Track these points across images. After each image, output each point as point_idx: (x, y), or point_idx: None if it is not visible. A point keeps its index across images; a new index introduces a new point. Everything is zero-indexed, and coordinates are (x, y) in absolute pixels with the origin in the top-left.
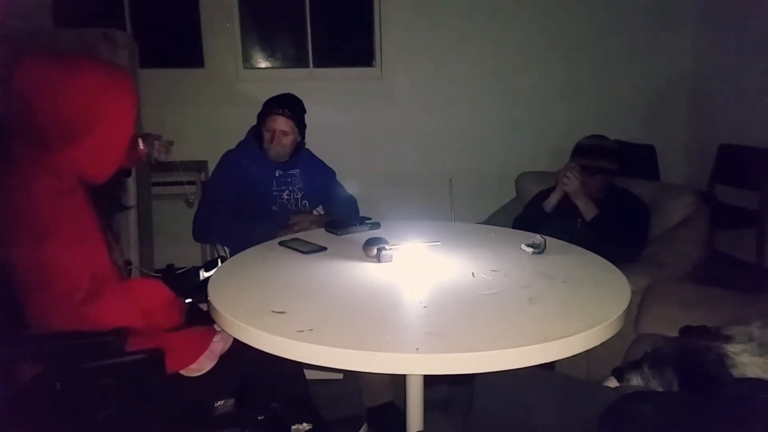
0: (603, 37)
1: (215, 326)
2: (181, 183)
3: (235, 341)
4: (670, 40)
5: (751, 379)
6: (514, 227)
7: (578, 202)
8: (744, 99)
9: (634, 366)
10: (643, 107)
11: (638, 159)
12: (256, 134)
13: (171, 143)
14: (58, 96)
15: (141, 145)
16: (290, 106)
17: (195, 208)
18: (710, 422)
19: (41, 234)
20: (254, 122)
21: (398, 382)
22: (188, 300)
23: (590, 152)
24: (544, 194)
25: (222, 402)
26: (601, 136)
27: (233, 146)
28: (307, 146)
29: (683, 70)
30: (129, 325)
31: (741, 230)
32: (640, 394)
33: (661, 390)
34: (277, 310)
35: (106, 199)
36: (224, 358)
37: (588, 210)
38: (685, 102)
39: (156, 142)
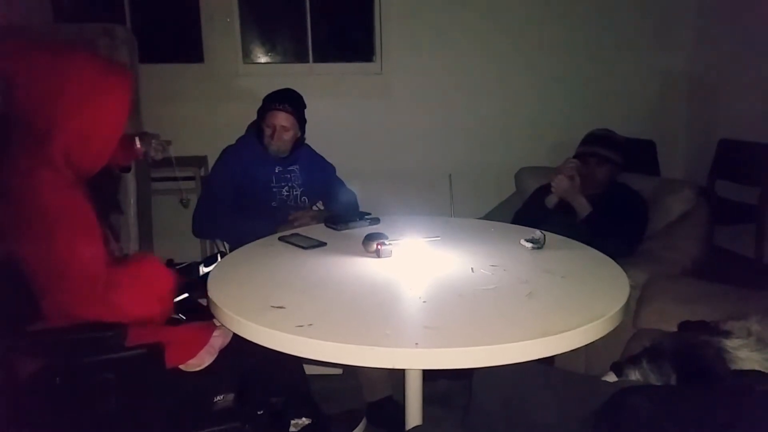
0: (602, 32)
1: (215, 321)
2: (178, 179)
3: (235, 336)
4: (670, 35)
5: (748, 371)
6: (514, 222)
7: (572, 202)
8: (744, 94)
9: (633, 361)
10: (643, 102)
11: (638, 154)
12: (256, 130)
13: (168, 142)
14: (44, 80)
15: (138, 144)
16: (290, 101)
17: (192, 207)
18: (707, 414)
19: (51, 228)
20: (254, 117)
21: (397, 376)
22: (186, 295)
23: (602, 141)
24: (545, 189)
25: (222, 397)
26: (612, 130)
27: (233, 141)
28: (306, 141)
29: (683, 66)
30: (149, 313)
31: (740, 225)
32: (638, 388)
33: (659, 385)
34: (277, 306)
35: (101, 197)
36: (224, 353)
37: (582, 208)
38: (685, 97)
39: (153, 141)
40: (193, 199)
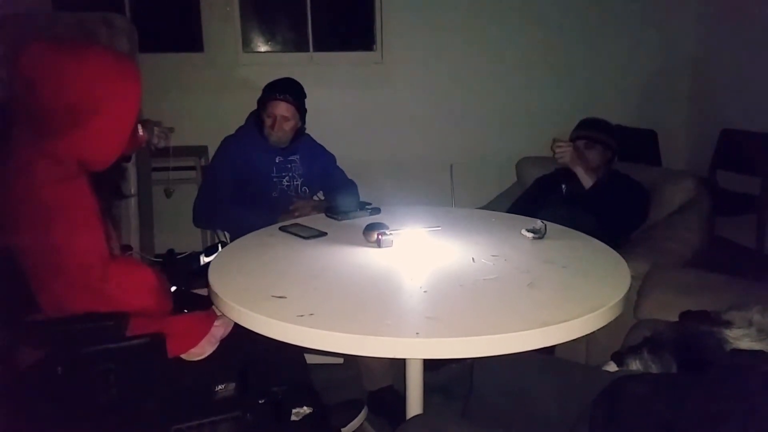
0: (604, 21)
1: (216, 311)
2: (179, 168)
3: (236, 326)
4: (672, 24)
5: (748, 350)
6: (510, 211)
7: (576, 170)
8: (746, 84)
9: (634, 351)
10: (645, 92)
11: (639, 144)
12: (256, 120)
13: (171, 129)
14: (63, 81)
15: (141, 132)
16: (291, 91)
17: (184, 197)
18: (705, 398)
19: (47, 219)
20: (254, 107)
21: (398, 366)
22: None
23: (591, 125)
24: (545, 178)
25: (223, 386)
26: (602, 119)
27: (233, 131)
28: (306, 131)
29: (685, 55)
30: (144, 305)
31: (741, 216)
32: (635, 376)
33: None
34: (278, 295)
35: (106, 186)
36: (225, 343)
37: (586, 178)
38: (686, 87)
39: (156, 128)
40: (193, 189)
